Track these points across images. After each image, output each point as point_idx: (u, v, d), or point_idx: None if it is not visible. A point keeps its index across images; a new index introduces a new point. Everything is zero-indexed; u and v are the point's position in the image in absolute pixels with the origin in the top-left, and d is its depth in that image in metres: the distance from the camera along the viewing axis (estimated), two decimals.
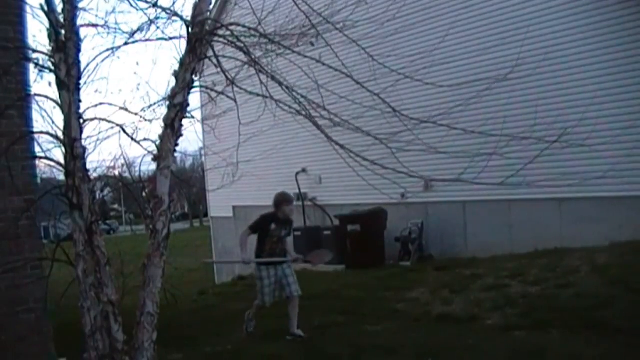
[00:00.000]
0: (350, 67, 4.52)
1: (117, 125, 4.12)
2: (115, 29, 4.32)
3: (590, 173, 7.52)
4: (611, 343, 4.87)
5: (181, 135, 4.07)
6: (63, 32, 3.89)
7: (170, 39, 4.28)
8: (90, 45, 4.25)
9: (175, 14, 4.17)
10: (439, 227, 10.40)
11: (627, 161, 7.71)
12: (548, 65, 8.47)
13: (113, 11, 4.32)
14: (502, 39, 8.97)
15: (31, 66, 4.25)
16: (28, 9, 4.61)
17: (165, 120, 4.03)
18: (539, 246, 8.57)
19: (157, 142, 4.03)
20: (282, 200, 6.25)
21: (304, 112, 4.26)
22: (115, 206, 58.05)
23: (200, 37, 4.02)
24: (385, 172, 4.22)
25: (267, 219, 6.27)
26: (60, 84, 3.87)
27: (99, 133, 4.14)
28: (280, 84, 4.28)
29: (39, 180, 5.73)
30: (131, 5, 4.16)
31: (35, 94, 4.27)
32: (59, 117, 3.92)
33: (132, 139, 4.16)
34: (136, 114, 4.41)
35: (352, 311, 7.09)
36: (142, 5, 4.17)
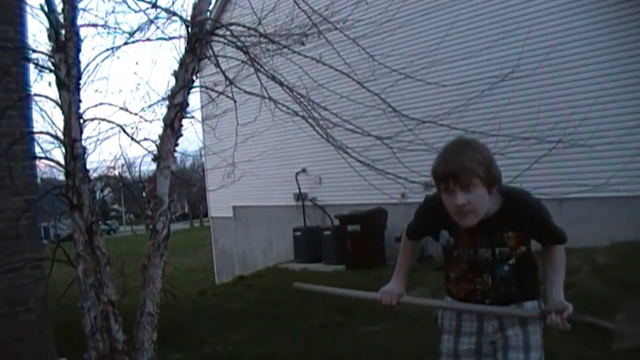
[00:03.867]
0: (350, 66, 4.52)
1: (117, 125, 4.14)
2: (115, 28, 4.34)
3: (592, 174, 7.50)
4: (612, 343, 4.86)
5: (181, 135, 4.08)
6: (63, 32, 3.89)
7: (170, 38, 4.30)
8: (90, 45, 4.27)
9: (175, 14, 4.18)
10: None
11: (633, 161, 7.67)
12: (549, 64, 8.46)
13: (113, 11, 4.34)
14: (503, 39, 8.95)
15: (31, 66, 4.25)
16: (28, 9, 4.62)
17: (165, 120, 4.04)
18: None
19: (157, 142, 4.03)
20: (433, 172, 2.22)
21: (302, 113, 4.26)
22: (115, 206, 58.04)
23: (200, 37, 4.02)
24: (383, 172, 4.23)
25: (431, 215, 2.45)
26: (60, 84, 3.87)
27: (99, 133, 4.16)
28: (281, 83, 4.28)
29: (39, 180, 5.72)
30: (129, 7, 4.17)
31: (35, 94, 4.28)
32: (59, 117, 3.94)
33: (132, 139, 4.17)
34: (136, 114, 4.43)
35: (352, 311, 7.08)
36: (142, 5, 4.18)
